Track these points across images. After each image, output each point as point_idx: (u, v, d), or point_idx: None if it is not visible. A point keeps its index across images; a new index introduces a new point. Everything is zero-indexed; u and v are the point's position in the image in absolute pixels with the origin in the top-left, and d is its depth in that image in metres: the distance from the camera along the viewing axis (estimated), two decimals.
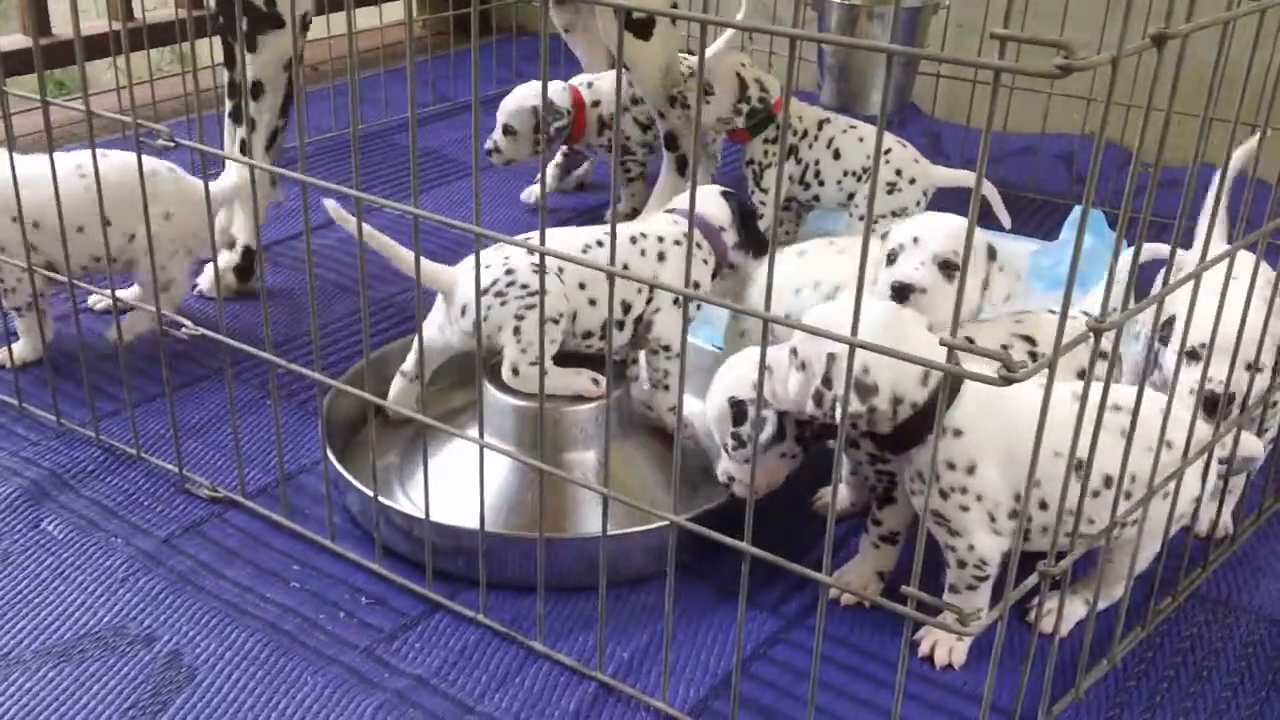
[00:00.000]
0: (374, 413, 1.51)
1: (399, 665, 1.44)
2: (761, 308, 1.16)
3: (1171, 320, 1.49)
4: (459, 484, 1.54)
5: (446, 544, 1.54)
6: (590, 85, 2.52)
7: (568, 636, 1.49)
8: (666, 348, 1.71)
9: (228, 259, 2.26)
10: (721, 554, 1.46)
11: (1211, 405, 1.42)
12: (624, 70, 2.57)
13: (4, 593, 1.54)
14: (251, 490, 1.74)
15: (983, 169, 0.99)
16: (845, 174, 2.32)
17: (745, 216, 1.82)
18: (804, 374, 1.35)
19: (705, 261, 1.77)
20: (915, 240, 1.53)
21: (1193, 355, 1.47)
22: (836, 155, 2.32)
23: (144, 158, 1.65)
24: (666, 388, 1.75)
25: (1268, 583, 1.62)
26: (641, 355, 1.80)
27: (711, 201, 1.81)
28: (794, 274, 1.72)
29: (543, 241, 1.30)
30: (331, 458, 1.64)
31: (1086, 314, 1.14)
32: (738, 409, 1.49)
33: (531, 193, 2.73)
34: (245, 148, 2.17)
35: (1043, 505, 1.34)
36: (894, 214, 2.31)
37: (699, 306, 1.77)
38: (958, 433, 1.32)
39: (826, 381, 1.32)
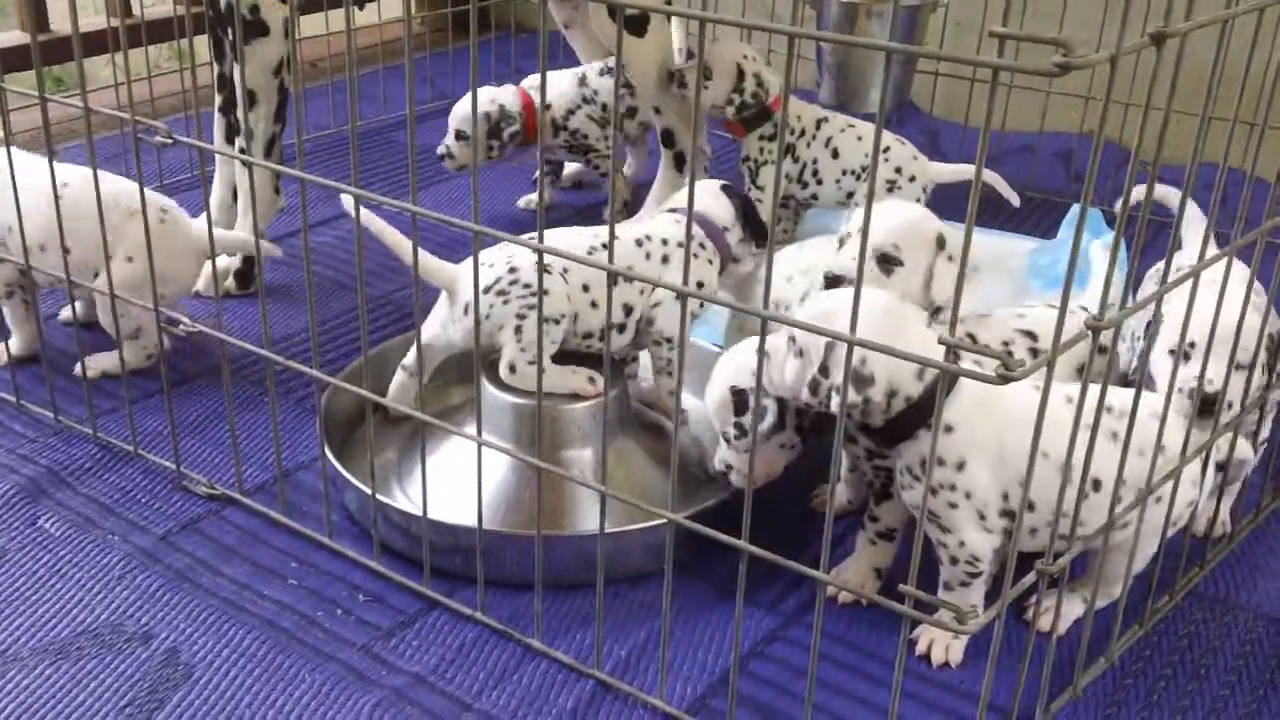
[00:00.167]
0: (372, 410, 1.51)
1: (397, 662, 1.44)
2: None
3: (1158, 321, 1.48)
4: (457, 481, 1.54)
5: (444, 541, 1.54)
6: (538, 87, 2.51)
7: (565, 634, 1.49)
8: (669, 340, 1.72)
9: (227, 263, 2.26)
10: (719, 552, 1.46)
11: (1202, 405, 1.41)
12: (592, 67, 2.58)
13: (1, 590, 1.54)
14: (249, 487, 1.74)
15: (981, 166, 0.99)
16: (844, 173, 2.33)
17: (748, 212, 1.81)
18: (801, 361, 1.35)
19: (710, 262, 1.77)
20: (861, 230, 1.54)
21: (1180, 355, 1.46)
22: (835, 154, 2.32)
23: (146, 193, 1.64)
24: (671, 374, 1.76)
25: (1265, 581, 1.62)
26: (642, 355, 1.80)
27: (713, 199, 1.80)
28: (787, 258, 1.74)
29: (541, 240, 1.30)
30: (329, 455, 1.64)
31: (1085, 309, 1.14)
32: (739, 398, 1.48)
33: (530, 200, 2.73)
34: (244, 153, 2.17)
35: (1030, 506, 1.34)
36: None
37: (702, 306, 1.77)
38: (948, 429, 1.32)
39: (824, 370, 1.32)
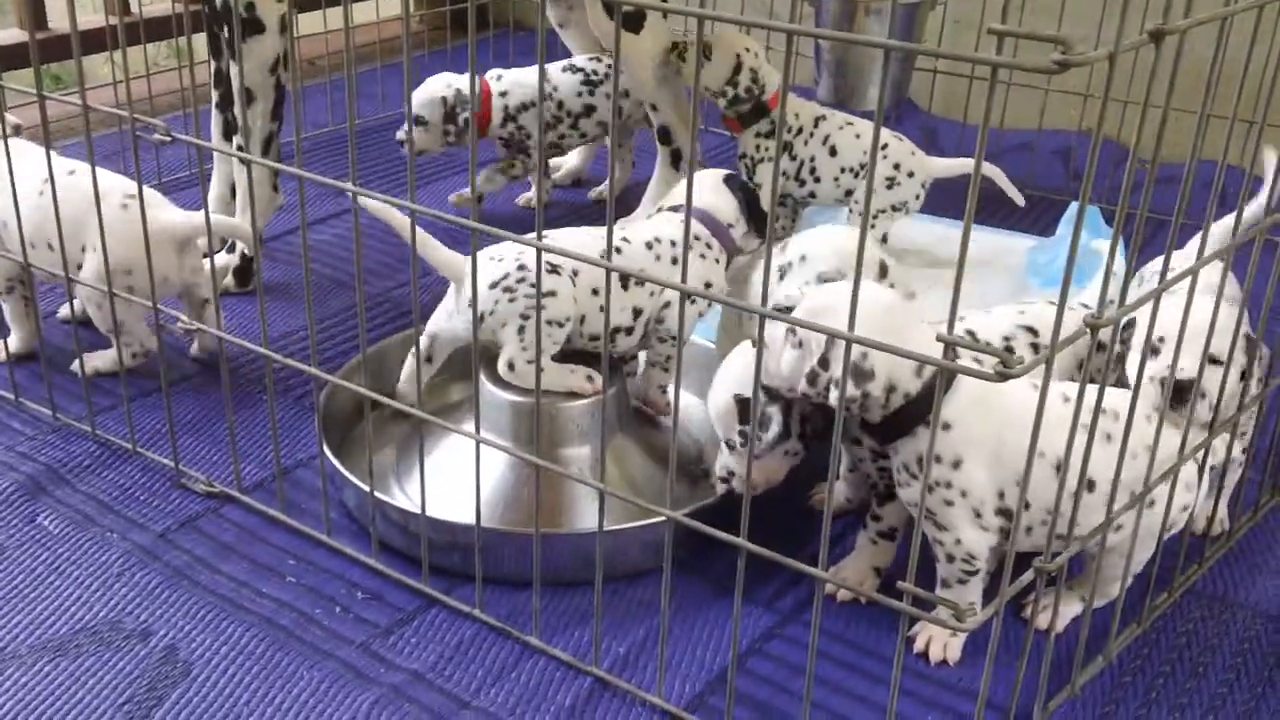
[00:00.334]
0: (370, 408, 1.51)
1: (395, 660, 1.44)
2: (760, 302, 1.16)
3: (1133, 323, 1.46)
4: (455, 479, 1.54)
5: (442, 539, 1.54)
6: (500, 77, 2.50)
7: (563, 632, 1.49)
8: (674, 339, 1.71)
9: (226, 260, 2.26)
10: (717, 549, 1.46)
11: (1177, 395, 1.38)
12: (544, 68, 2.57)
13: (0, 588, 1.54)
14: (247, 485, 1.74)
15: (979, 165, 0.99)
16: (842, 171, 2.32)
17: (751, 203, 1.80)
18: (800, 351, 1.34)
19: (717, 261, 1.76)
20: (803, 258, 1.54)
21: (1154, 351, 1.41)
22: (833, 152, 2.32)
23: (113, 180, 1.63)
24: (665, 369, 1.75)
25: (1264, 579, 1.62)
26: (641, 354, 1.80)
27: (716, 193, 1.78)
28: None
29: (539, 237, 1.30)
30: (328, 453, 1.64)
31: (1085, 305, 1.13)
32: (744, 406, 1.46)
33: (528, 198, 2.73)
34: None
35: (1026, 504, 1.34)
36: (894, 208, 2.31)
37: (710, 305, 1.77)
38: (946, 426, 1.32)
39: (823, 362, 1.31)
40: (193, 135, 1.54)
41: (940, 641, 1.46)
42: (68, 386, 1.92)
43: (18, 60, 2.95)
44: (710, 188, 1.79)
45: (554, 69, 2.54)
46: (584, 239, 1.68)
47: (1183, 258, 1.50)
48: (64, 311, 2.12)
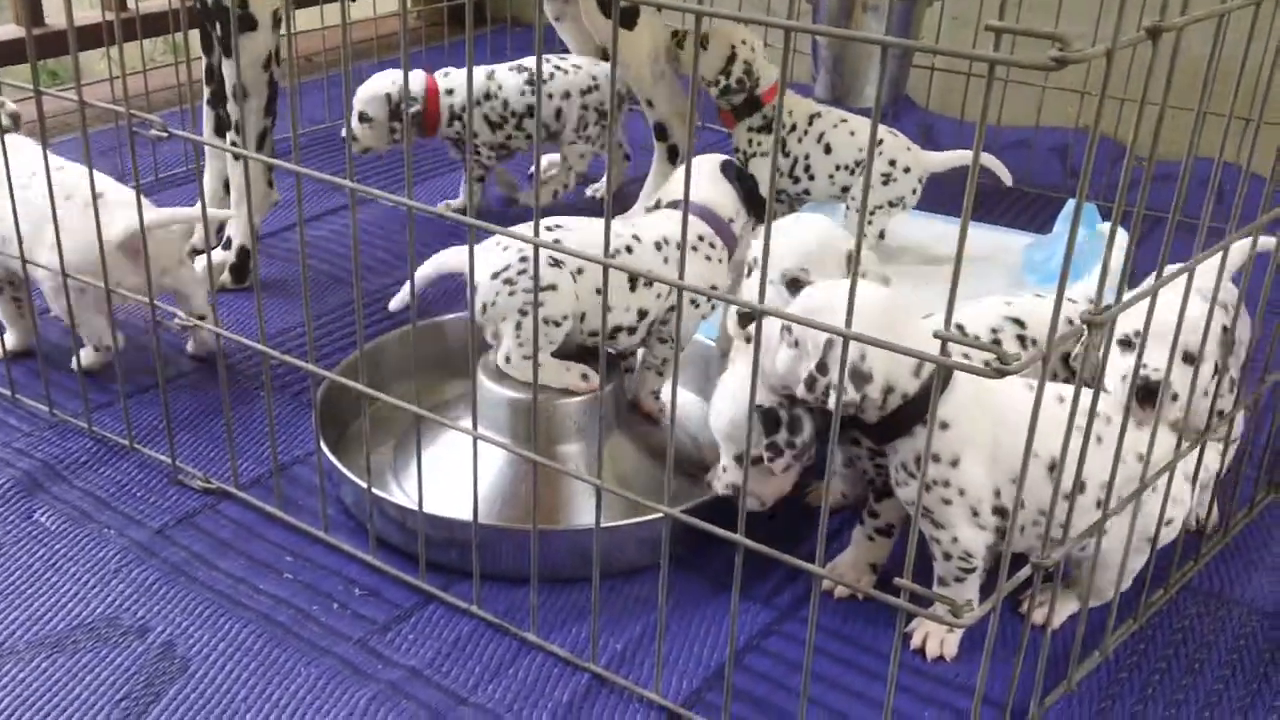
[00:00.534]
0: (368, 404, 1.50)
1: (392, 656, 1.44)
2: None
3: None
4: (452, 476, 1.54)
5: (440, 536, 1.54)
6: (447, 74, 2.47)
7: (561, 628, 1.49)
8: (675, 339, 1.69)
9: (223, 257, 2.25)
10: (715, 546, 1.46)
11: (1147, 395, 1.36)
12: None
13: None
14: (245, 482, 1.74)
15: (977, 161, 0.99)
16: (837, 168, 2.32)
17: (750, 190, 1.78)
18: (796, 350, 1.34)
19: (721, 261, 1.73)
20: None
21: (1126, 344, 1.40)
22: (827, 150, 2.31)
23: (81, 178, 1.63)
24: (660, 373, 1.75)
25: (1260, 575, 1.63)
26: (640, 351, 1.80)
27: (714, 185, 1.75)
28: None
29: (536, 234, 1.30)
30: (325, 449, 1.64)
31: (1072, 300, 1.13)
32: (769, 416, 1.41)
33: (526, 196, 2.73)
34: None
35: (1021, 504, 1.34)
36: (890, 204, 2.31)
37: (714, 307, 1.77)
38: (944, 425, 1.32)
39: (821, 367, 1.31)
40: (189, 131, 1.54)
41: (937, 638, 1.46)
42: (64, 383, 1.92)
43: (14, 56, 2.95)
44: (708, 178, 1.76)
45: (502, 69, 2.51)
46: (595, 236, 1.67)
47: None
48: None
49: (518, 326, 1.61)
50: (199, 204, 1.76)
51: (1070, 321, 1.47)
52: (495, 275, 1.61)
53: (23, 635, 1.46)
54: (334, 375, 1.58)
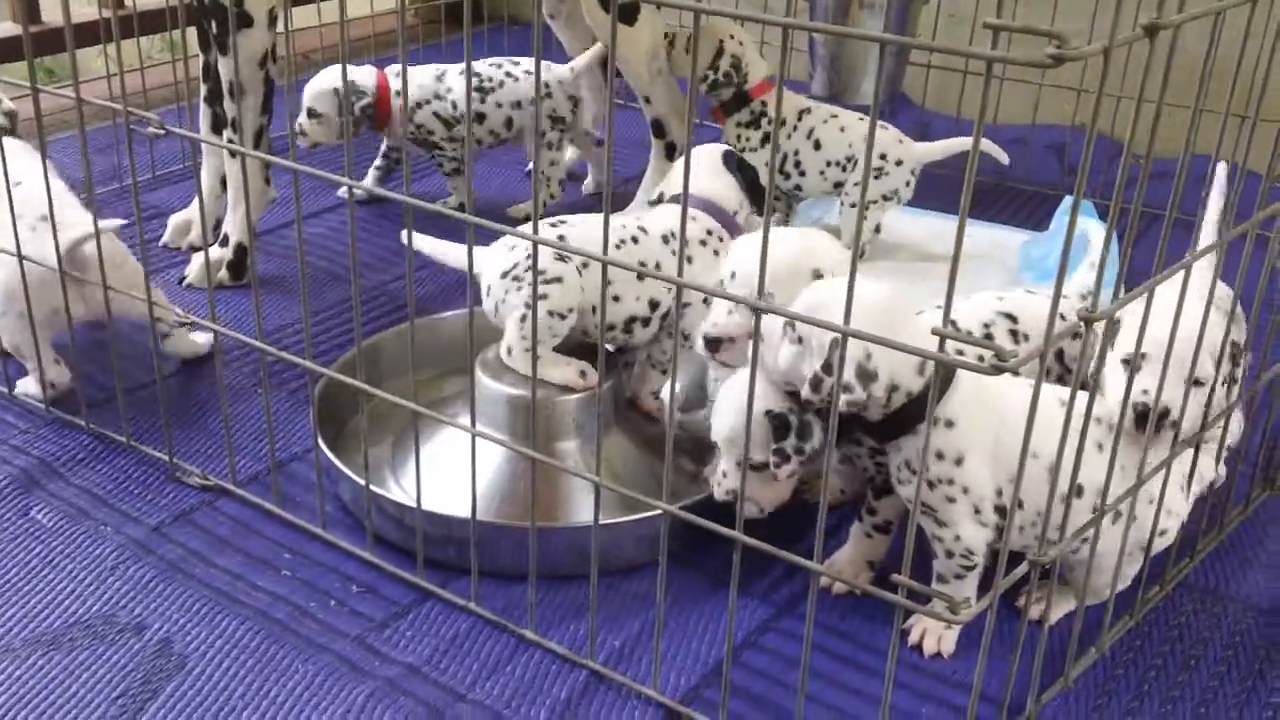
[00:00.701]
0: (365, 401, 1.51)
1: (390, 653, 1.44)
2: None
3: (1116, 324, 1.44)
4: (451, 472, 1.54)
5: (438, 532, 1.54)
6: (399, 74, 2.47)
7: (559, 625, 1.49)
8: (686, 338, 1.68)
9: (220, 254, 2.25)
10: (713, 542, 1.46)
11: (1144, 420, 1.36)
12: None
13: None
14: (242, 478, 1.74)
15: (974, 160, 0.99)
16: (828, 164, 2.32)
17: (752, 180, 1.78)
18: (799, 348, 1.34)
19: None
20: (733, 275, 1.50)
21: (1129, 364, 1.38)
22: (817, 146, 2.31)
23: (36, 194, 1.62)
24: (664, 371, 1.75)
25: (1255, 572, 1.63)
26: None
27: (715, 177, 1.75)
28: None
29: (535, 231, 1.30)
30: (323, 446, 1.64)
31: (1066, 296, 1.12)
32: (779, 422, 1.40)
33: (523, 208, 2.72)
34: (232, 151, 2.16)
35: (1019, 504, 1.34)
36: (884, 198, 2.31)
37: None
38: (949, 424, 1.32)
39: (827, 367, 1.30)
40: (187, 129, 1.54)
41: (935, 634, 1.46)
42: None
43: (11, 53, 2.95)
44: (709, 170, 1.76)
45: (453, 71, 2.49)
46: (601, 227, 1.67)
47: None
48: None
49: (522, 320, 1.62)
50: (196, 201, 1.75)
51: (1063, 317, 1.47)
52: (504, 275, 1.62)
53: (19, 633, 1.46)
54: (332, 372, 1.58)
